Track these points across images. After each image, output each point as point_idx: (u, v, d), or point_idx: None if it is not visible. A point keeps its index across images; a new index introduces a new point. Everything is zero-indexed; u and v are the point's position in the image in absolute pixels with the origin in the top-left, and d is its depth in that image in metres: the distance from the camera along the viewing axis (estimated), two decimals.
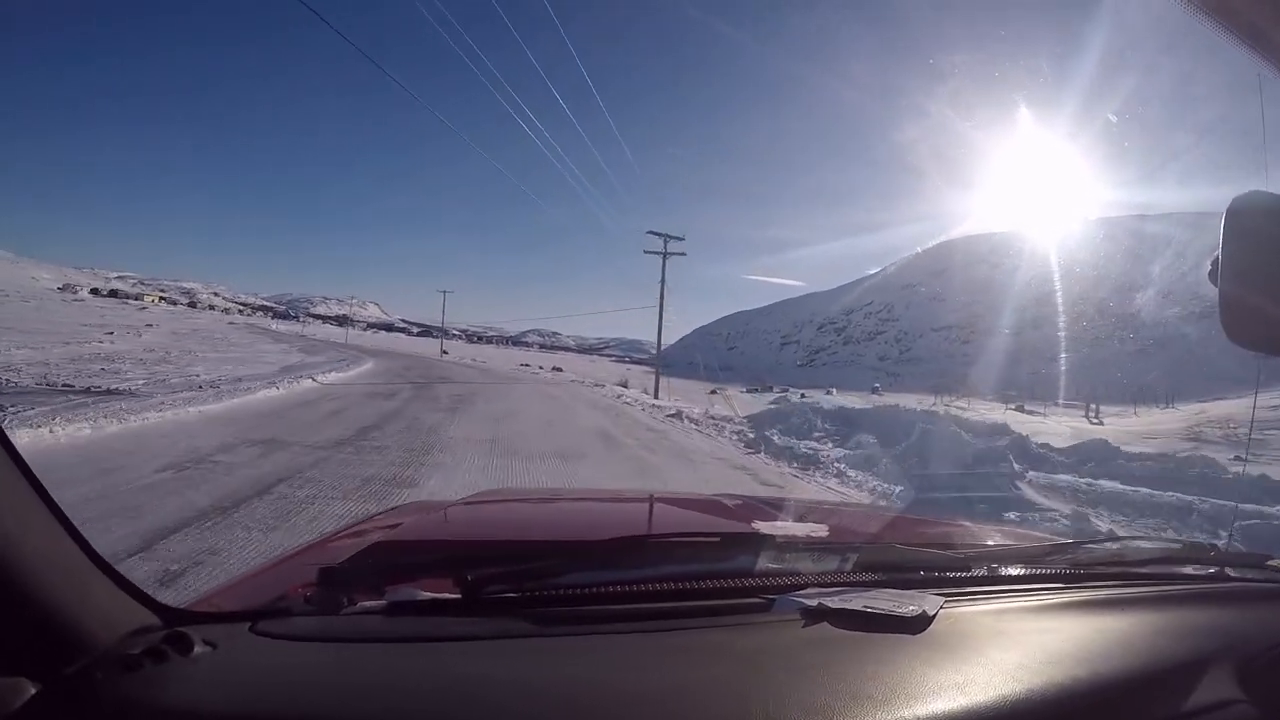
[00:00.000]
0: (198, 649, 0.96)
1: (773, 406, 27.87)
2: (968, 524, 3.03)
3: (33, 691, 0.83)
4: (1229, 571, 1.74)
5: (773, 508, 2.72)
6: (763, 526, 1.81)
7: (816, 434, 18.47)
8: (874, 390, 71.23)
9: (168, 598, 1.10)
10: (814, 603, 1.24)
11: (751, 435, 18.76)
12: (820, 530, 1.92)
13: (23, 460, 0.89)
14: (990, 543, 2.18)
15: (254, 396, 17.32)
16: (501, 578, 1.23)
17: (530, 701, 0.92)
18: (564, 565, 1.31)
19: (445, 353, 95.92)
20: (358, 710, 0.87)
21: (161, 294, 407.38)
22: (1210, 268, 1.25)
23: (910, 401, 50.70)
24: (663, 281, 42.87)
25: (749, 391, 61.43)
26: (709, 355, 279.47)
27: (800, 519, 2.13)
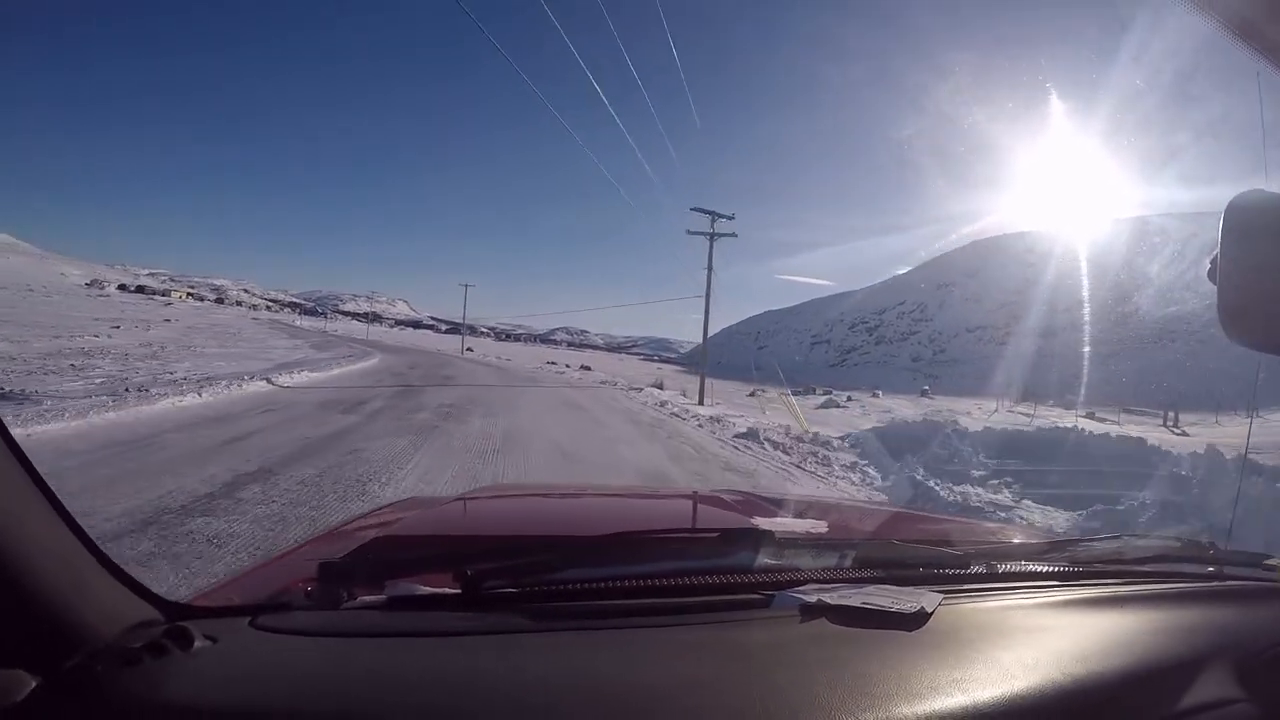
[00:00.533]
0: (198, 643, 0.97)
1: (880, 426, 19.82)
2: (966, 520, 3.80)
3: (33, 685, 0.82)
4: (1228, 570, 1.75)
5: (772, 504, 2.62)
6: (762, 522, 1.82)
7: (977, 471, 12.70)
8: (923, 393, 66.13)
9: None
10: (813, 599, 1.25)
11: (881, 476, 12.91)
12: (819, 526, 1.97)
13: (23, 454, 0.89)
14: (989, 539, 2.23)
15: (154, 408, 12.94)
16: (501, 573, 1.24)
17: (529, 696, 0.92)
18: (563, 560, 1.32)
19: (469, 350, 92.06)
20: (357, 704, 0.87)
21: (190, 290, 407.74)
22: (1209, 266, 1.26)
23: (965, 405, 48.40)
24: (710, 266, 36.18)
25: (795, 394, 56.85)
26: (738, 355, 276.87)
27: (799, 515, 2.21)
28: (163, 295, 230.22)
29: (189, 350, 28.80)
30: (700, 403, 29.96)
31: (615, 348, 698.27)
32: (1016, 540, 2.11)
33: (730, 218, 36.48)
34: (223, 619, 1.10)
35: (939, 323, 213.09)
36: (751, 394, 42.15)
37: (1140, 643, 1.23)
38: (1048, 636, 1.23)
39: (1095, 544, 1.85)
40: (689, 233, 35.69)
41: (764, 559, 1.39)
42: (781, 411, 27.13)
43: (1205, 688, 1.12)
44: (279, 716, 0.85)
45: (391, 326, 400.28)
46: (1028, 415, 42.00)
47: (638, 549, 1.41)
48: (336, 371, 26.39)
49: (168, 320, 59.75)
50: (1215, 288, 1.23)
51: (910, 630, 1.17)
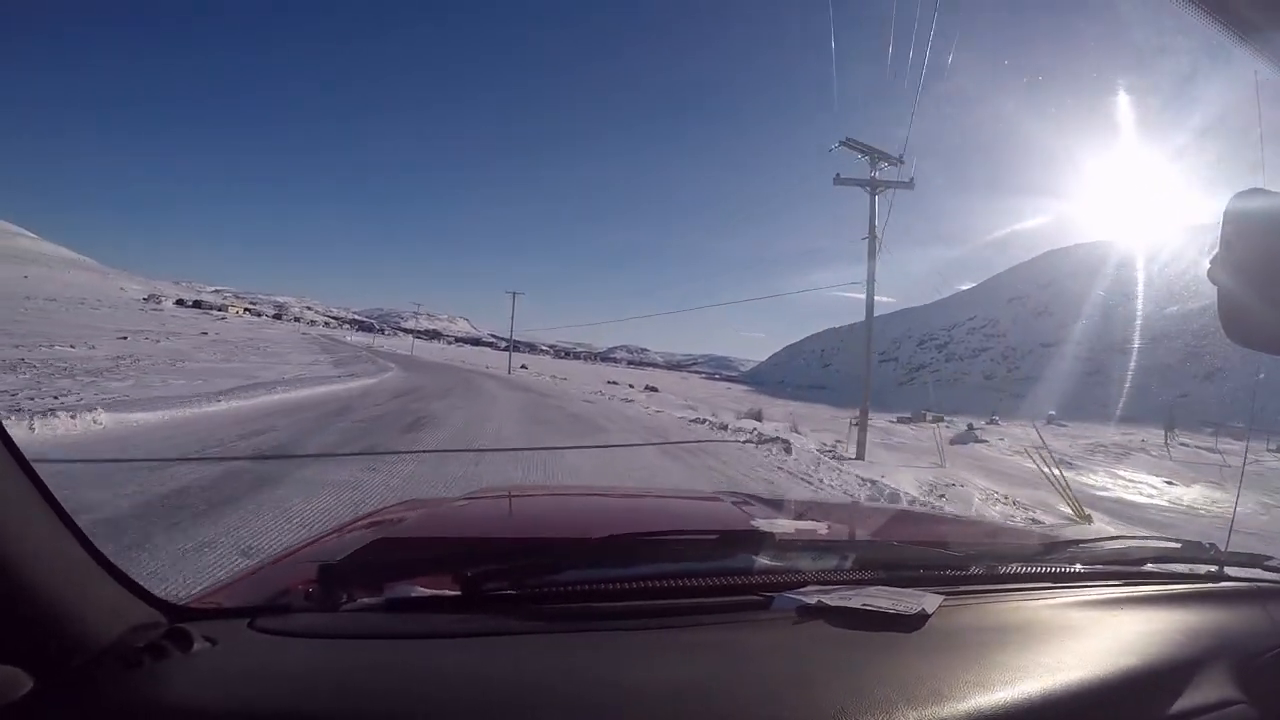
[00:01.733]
0: (197, 645, 0.97)
1: None
2: (967, 521, 3.77)
3: (32, 686, 0.82)
4: (1228, 571, 1.75)
5: (772, 506, 2.64)
6: (762, 524, 1.82)
7: None
8: (1050, 419, 55.41)
9: None
10: (813, 601, 1.25)
11: None
12: (819, 528, 1.95)
13: (23, 457, 0.88)
14: (989, 541, 2.29)
15: None
16: (500, 574, 1.24)
17: (528, 698, 0.92)
18: (562, 562, 1.31)
19: (523, 367, 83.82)
20: (357, 706, 0.88)
21: (248, 306, 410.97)
22: (1209, 266, 1.25)
23: (1107, 434, 39.34)
24: (872, 225, 21.40)
25: (902, 421, 47.42)
26: (802, 373, 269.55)
27: (799, 517, 2.22)
28: (219, 310, 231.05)
29: (172, 365, 23.87)
30: (860, 456, 19.13)
31: (675, 365, 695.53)
32: (1017, 541, 2.10)
33: (898, 161, 21.62)
34: (222, 621, 1.11)
35: (1011, 338, 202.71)
36: (855, 423, 34.24)
37: (1141, 643, 1.24)
38: (1048, 638, 1.24)
39: (1096, 545, 1.86)
40: (838, 182, 22.10)
41: (764, 560, 1.41)
42: (961, 462, 19.55)
43: (1206, 688, 1.13)
44: (279, 718, 0.85)
45: (450, 343, 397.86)
46: (1216, 451, 33.96)
47: (637, 551, 1.40)
48: (299, 394, 18.85)
49: (204, 333, 56.97)
50: (1217, 288, 1.23)
51: (911, 632, 1.18)
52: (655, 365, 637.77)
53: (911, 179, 21.87)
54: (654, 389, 62.19)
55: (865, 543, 1.75)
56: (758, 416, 29.20)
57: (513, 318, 66.15)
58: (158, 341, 37.59)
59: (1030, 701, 0.98)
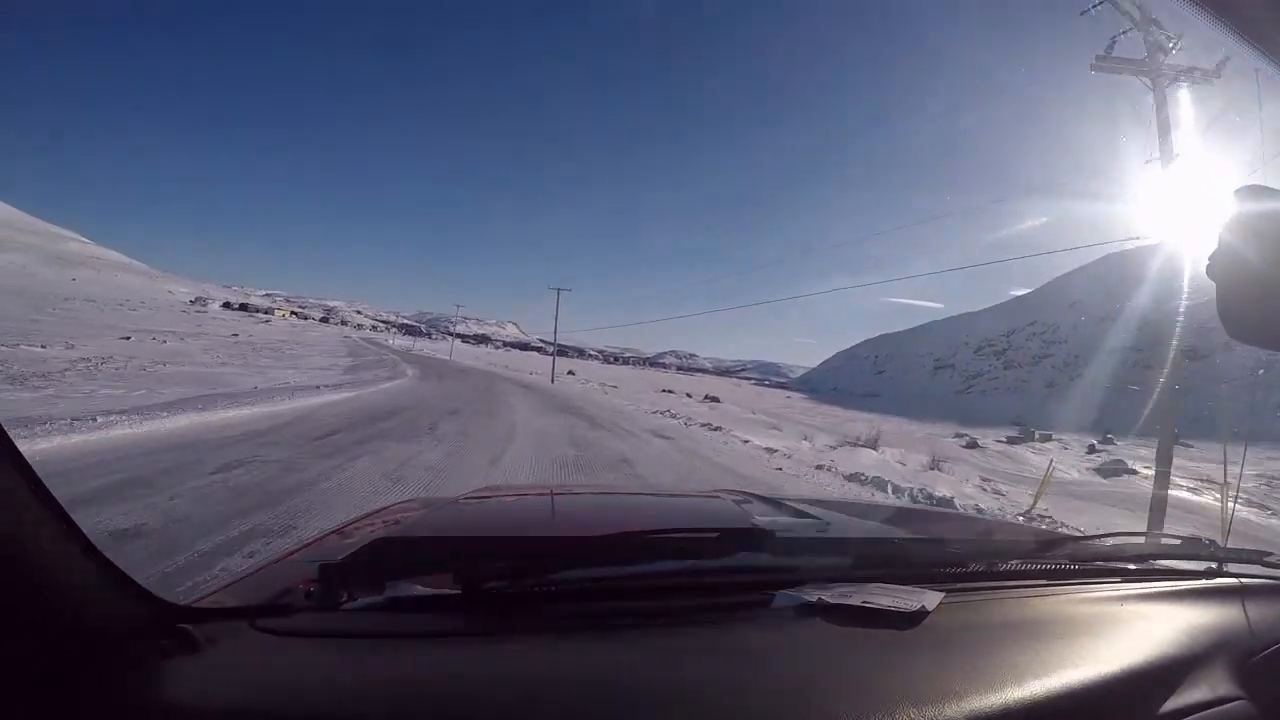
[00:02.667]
0: (199, 645, 0.98)
1: None
2: (967, 518, 3.57)
3: (33, 685, 0.83)
4: (1227, 567, 1.77)
5: (772, 504, 2.52)
6: (762, 522, 1.79)
7: None
8: (1179, 441, 48.49)
9: None
10: (813, 598, 1.25)
11: None
12: (819, 525, 1.96)
13: (23, 458, 0.88)
14: (990, 538, 2.33)
15: None
16: (500, 573, 1.24)
17: (529, 696, 0.92)
18: (563, 561, 1.32)
19: (571, 373, 77.99)
20: (358, 705, 0.88)
21: (295, 310, 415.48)
22: (1208, 262, 1.26)
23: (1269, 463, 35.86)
24: (1165, 130, 12.40)
25: (1013, 442, 40.85)
26: (855, 380, 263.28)
27: (799, 514, 2.17)
28: (266, 313, 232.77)
29: (142, 370, 20.35)
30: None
31: (724, 371, 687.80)
32: (1016, 539, 2.11)
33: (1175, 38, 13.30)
34: (223, 621, 1.10)
35: (1073, 345, 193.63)
36: (970, 444, 28.08)
37: (1141, 640, 1.25)
38: (1048, 635, 1.25)
39: (1096, 542, 1.87)
40: (1097, 66, 11.89)
41: (764, 558, 1.42)
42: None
43: (1205, 685, 1.14)
44: (280, 717, 0.86)
45: (498, 348, 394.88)
46: None
47: (637, 549, 1.40)
48: (246, 412, 13.92)
49: (234, 335, 55.13)
50: (1216, 284, 1.25)
51: (911, 629, 1.19)
52: (704, 371, 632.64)
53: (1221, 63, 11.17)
54: (715, 399, 55.94)
55: (865, 540, 1.75)
56: (874, 445, 22.64)
57: (557, 316, 58.01)
58: (163, 342, 34.87)
59: (1030, 698, 0.99)
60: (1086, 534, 1.97)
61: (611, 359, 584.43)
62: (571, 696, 0.93)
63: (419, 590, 1.19)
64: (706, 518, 2.42)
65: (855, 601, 1.22)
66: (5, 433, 0.86)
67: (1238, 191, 1.22)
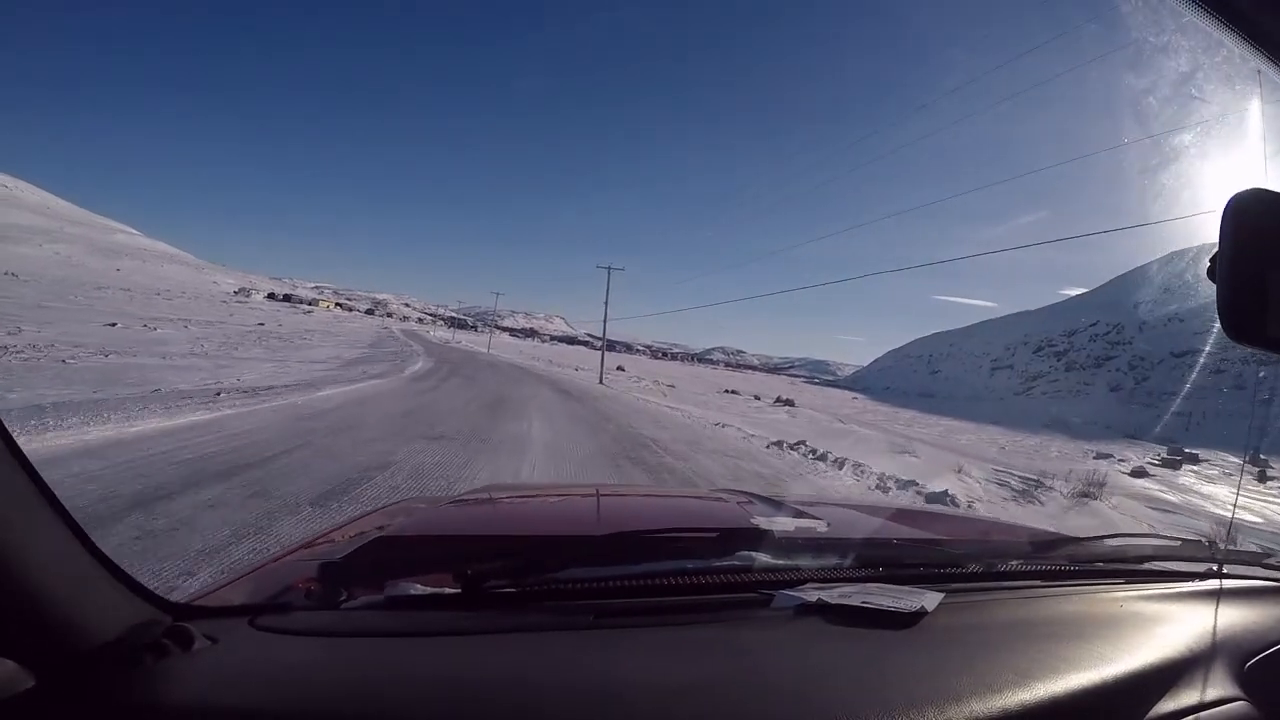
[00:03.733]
0: (199, 643, 0.98)
1: None
2: (967, 519, 3.53)
3: (34, 684, 0.83)
4: (1227, 569, 1.75)
5: (772, 503, 2.55)
6: (762, 522, 1.79)
7: None
8: None
9: None
10: (813, 598, 1.25)
11: None
12: (819, 526, 1.92)
13: (25, 456, 0.88)
14: (989, 538, 2.32)
15: None
16: (500, 572, 1.23)
17: (529, 695, 0.92)
18: (563, 560, 1.31)
19: (621, 369, 71.49)
20: (357, 704, 0.88)
21: (339, 302, 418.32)
22: (1209, 265, 1.26)
23: None
24: None
25: (1169, 465, 33.86)
26: (908, 379, 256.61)
27: (799, 515, 2.14)
28: (310, 304, 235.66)
29: (99, 360, 17.39)
30: None
31: (772, 369, 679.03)
32: (1017, 539, 2.07)
33: None
34: (223, 619, 1.11)
35: (1139, 346, 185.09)
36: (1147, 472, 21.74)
37: (1140, 641, 1.24)
38: (1048, 635, 1.24)
39: (1096, 543, 1.84)
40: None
41: (764, 558, 1.40)
42: None
43: (1205, 686, 1.13)
44: (280, 716, 0.86)
45: (545, 341, 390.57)
46: None
47: (638, 548, 1.40)
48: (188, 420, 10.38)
49: (259, 324, 53.39)
50: (1216, 287, 1.23)
51: (911, 629, 1.19)
52: (752, 367, 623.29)
53: None
54: (789, 402, 48.57)
55: (865, 541, 1.73)
56: (1090, 493, 15.59)
57: (607, 301, 47.98)
58: (153, 330, 31.83)
59: (1030, 699, 0.98)
60: (1086, 535, 1.91)
61: (659, 354, 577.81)
62: (572, 695, 0.92)
63: (419, 589, 1.19)
64: (707, 517, 2.49)
65: (855, 602, 1.22)
66: (6, 431, 0.86)
67: (1237, 194, 1.21)
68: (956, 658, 1.09)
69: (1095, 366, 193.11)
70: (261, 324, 54.16)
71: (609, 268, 47.14)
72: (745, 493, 2.87)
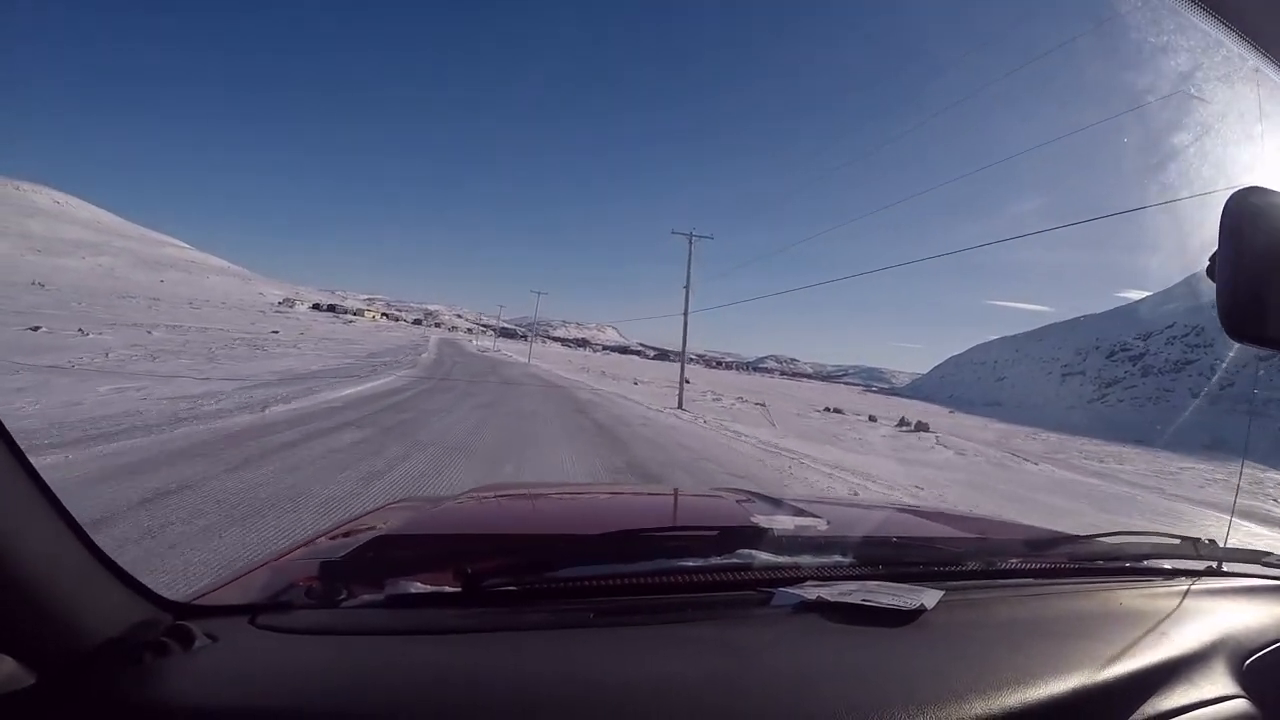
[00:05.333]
0: (199, 642, 0.97)
1: None
2: (967, 517, 3.35)
3: (34, 682, 0.82)
4: (1226, 567, 1.76)
5: (772, 502, 2.48)
6: (761, 520, 1.77)
7: None
8: None
9: None
10: (813, 596, 1.25)
11: None
12: (819, 524, 1.93)
13: (24, 455, 0.88)
14: (988, 537, 2.24)
15: None
16: (500, 571, 1.22)
17: (529, 694, 0.91)
18: (563, 558, 1.30)
19: (689, 381, 60.50)
20: (357, 702, 0.87)
21: (385, 312, 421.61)
22: (1208, 264, 1.25)
23: None
24: None
25: None
26: (972, 387, 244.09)
27: (799, 513, 2.12)
28: (354, 314, 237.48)
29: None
30: None
31: (825, 376, 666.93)
32: (1017, 537, 2.03)
33: None
34: (223, 618, 1.10)
35: (1220, 347, 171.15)
36: None
37: (1140, 639, 1.23)
38: (1047, 633, 1.24)
39: (1095, 541, 1.81)
40: None
41: (764, 556, 1.38)
42: None
43: (1204, 684, 1.13)
44: (280, 715, 0.85)
45: (596, 351, 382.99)
46: None
47: (637, 547, 1.39)
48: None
49: (275, 332, 48.07)
50: (1216, 286, 1.22)
51: (911, 627, 1.18)
52: (806, 375, 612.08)
53: None
54: (923, 427, 36.12)
55: (865, 539, 1.68)
56: None
57: (689, 283, 33.13)
58: (87, 335, 26.70)
59: (1029, 696, 0.98)
60: (1086, 533, 1.87)
61: (714, 363, 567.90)
62: (572, 694, 0.92)
63: (419, 588, 1.19)
64: (707, 516, 2.49)
65: (855, 600, 1.22)
66: (5, 431, 0.85)
67: (1236, 193, 1.21)
68: (956, 655, 1.10)
69: (1174, 371, 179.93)
70: (276, 331, 50.21)
71: (690, 235, 33.60)
72: (744, 491, 2.88)
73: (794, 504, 2.32)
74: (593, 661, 1.02)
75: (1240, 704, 1.10)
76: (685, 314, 30.98)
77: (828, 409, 43.96)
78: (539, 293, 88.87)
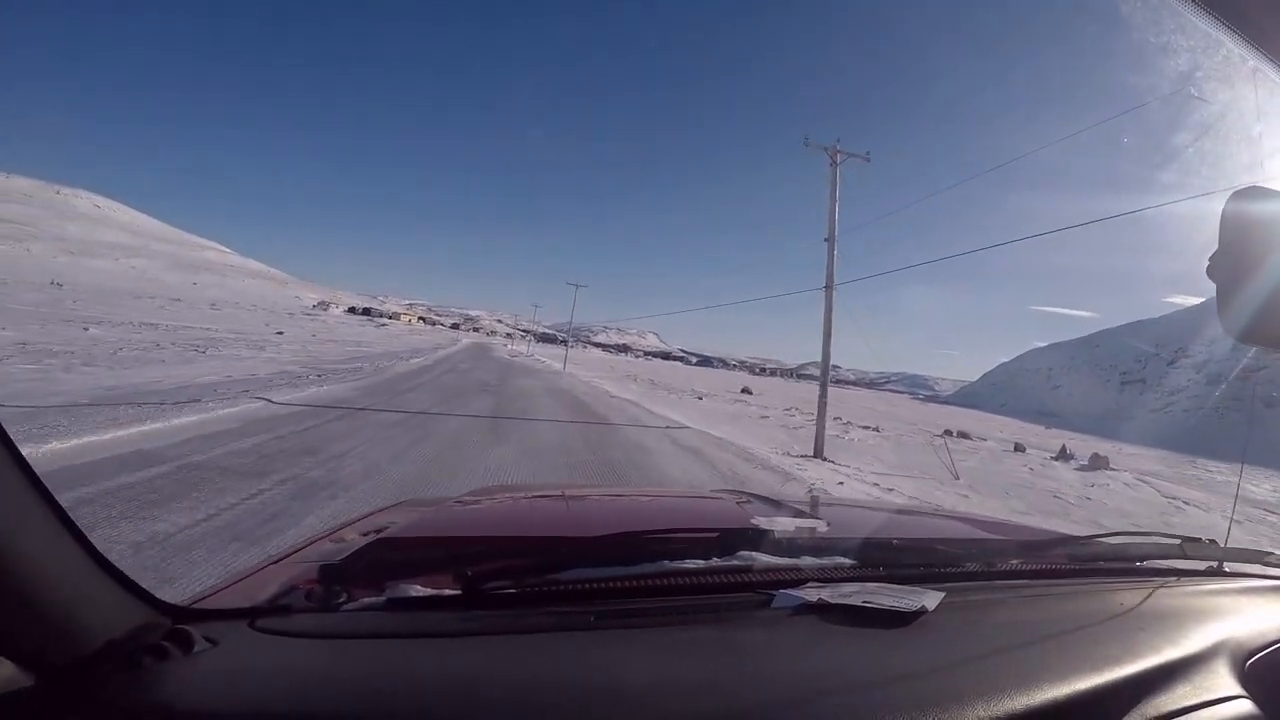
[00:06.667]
0: (198, 645, 0.97)
1: None
2: (968, 518, 3.11)
3: (33, 685, 0.83)
4: (1227, 567, 1.75)
5: (772, 503, 2.41)
6: (762, 522, 1.77)
7: None
8: None
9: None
10: (813, 598, 1.24)
11: None
12: (820, 525, 1.94)
13: (24, 459, 0.87)
14: (990, 538, 2.21)
15: None
16: (500, 573, 1.22)
17: (530, 696, 0.91)
18: (563, 561, 1.29)
19: (747, 391, 51.80)
20: (358, 706, 0.87)
21: (422, 316, 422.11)
22: (1209, 263, 1.26)
23: None
24: None
25: None
26: (1025, 396, 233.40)
27: (800, 514, 2.12)
28: (390, 318, 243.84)
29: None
30: None
31: (869, 384, 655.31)
32: (1017, 538, 2.03)
33: None
34: (223, 621, 1.09)
35: None
36: None
37: (1142, 639, 1.22)
38: (1049, 634, 1.23)
39: (1096, 542, 1.80)
40: None
41: (764, 558, 1.38)
42: None
43: (1206, 684, 1.12)
44: (280, 718, 0.85)
45: (638, 357, 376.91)
46: None
47: (638, 549, 1.37)
48: None
49: (278, 332, 46.81)
50: (1216, 286, 1.24)
51: (911, 628, 1.18)
52: (848, 382, 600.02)
53: None
54: (1107, 464, 27.90)
55: (866, 540, 1.64)
56: None
57: (831, 266, 23.75)
58: (85, 329, 27.12)
59: (1030, 697, 0.98)
60: (1087, 534, 1.87)
61: (758, 370, 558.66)
62: (572, 696, 0.92)
63: (419, 591, 1.19)
64: (707, 518, 2.43)
65: (855, 601, 1.22)
66: (5, 433, 0.85)
67: (1236, 193, 1.23)
68: (957, 657, 1.10)
69: (1243, 378, 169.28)
70: (281, 332, 48.43)
71: (841, 148, 22.98)
72: (745, 493, 2.82)
73: (794, 505, 2.28)
74: (594, 664, 1.02)
75: (1242, 704, 1.10)
76: (828, 286, 20.00)
77: (948, 432, 33.15)
78: (577, 285, 74.91)
